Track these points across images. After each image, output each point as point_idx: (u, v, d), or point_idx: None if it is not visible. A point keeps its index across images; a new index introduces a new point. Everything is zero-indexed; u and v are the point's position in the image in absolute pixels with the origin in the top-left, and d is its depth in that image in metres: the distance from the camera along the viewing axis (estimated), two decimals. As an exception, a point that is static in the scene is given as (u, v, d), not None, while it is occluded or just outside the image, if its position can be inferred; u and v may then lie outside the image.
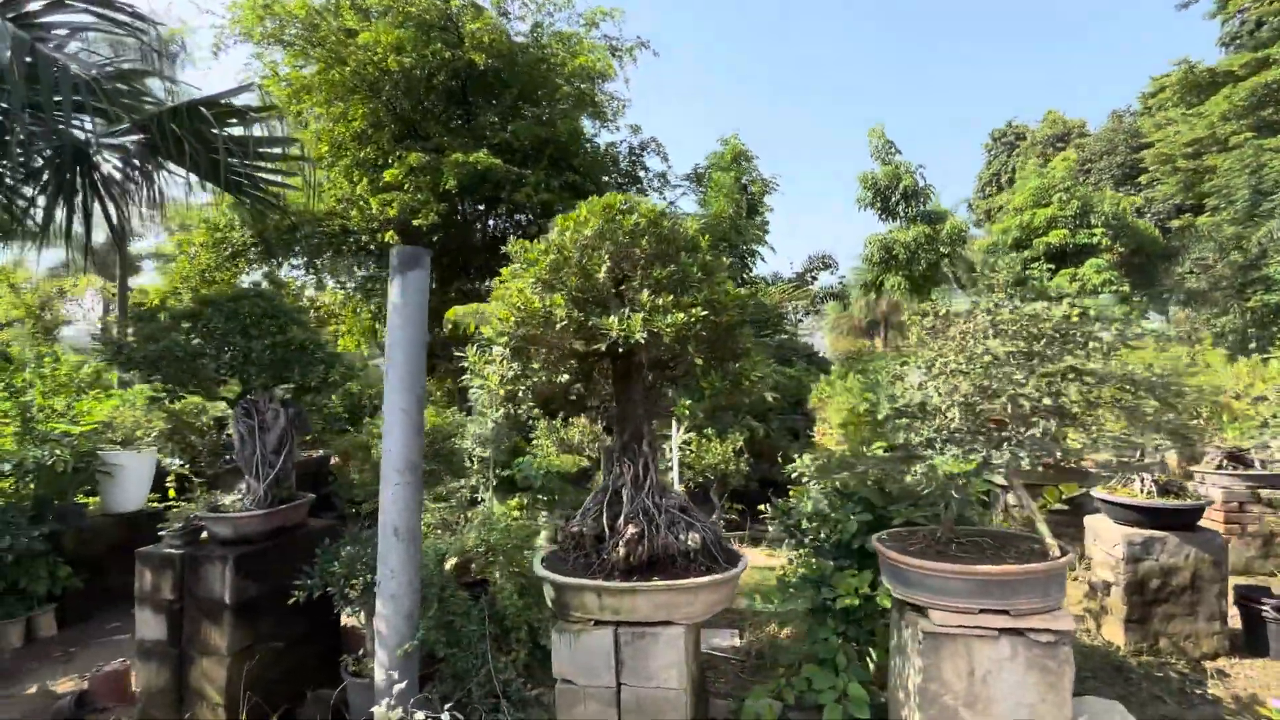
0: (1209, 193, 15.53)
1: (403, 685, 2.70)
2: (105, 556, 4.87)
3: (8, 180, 3.77)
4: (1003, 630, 2.32)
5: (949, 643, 2.46)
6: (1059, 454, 2.24)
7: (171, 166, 4.07)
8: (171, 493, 6.41)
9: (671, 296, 2.51)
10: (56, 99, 3.52)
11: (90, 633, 4.50)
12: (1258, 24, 25.12)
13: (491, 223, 9.16)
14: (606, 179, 8.68)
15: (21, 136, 3.47)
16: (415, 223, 7.46)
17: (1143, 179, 27.07)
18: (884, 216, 15.80)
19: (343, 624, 3.91)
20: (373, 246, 8.09)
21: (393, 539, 2.98)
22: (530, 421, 7.24)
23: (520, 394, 2.61)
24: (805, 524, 3.65)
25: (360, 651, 4.04)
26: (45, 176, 3.75)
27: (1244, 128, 14.87)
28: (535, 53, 7.86)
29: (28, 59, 2.93)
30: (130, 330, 3.66)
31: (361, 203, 7.85)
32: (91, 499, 5.19)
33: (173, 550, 3.16)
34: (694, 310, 2.48)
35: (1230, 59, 16.57)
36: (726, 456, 6.23)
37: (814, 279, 16.72)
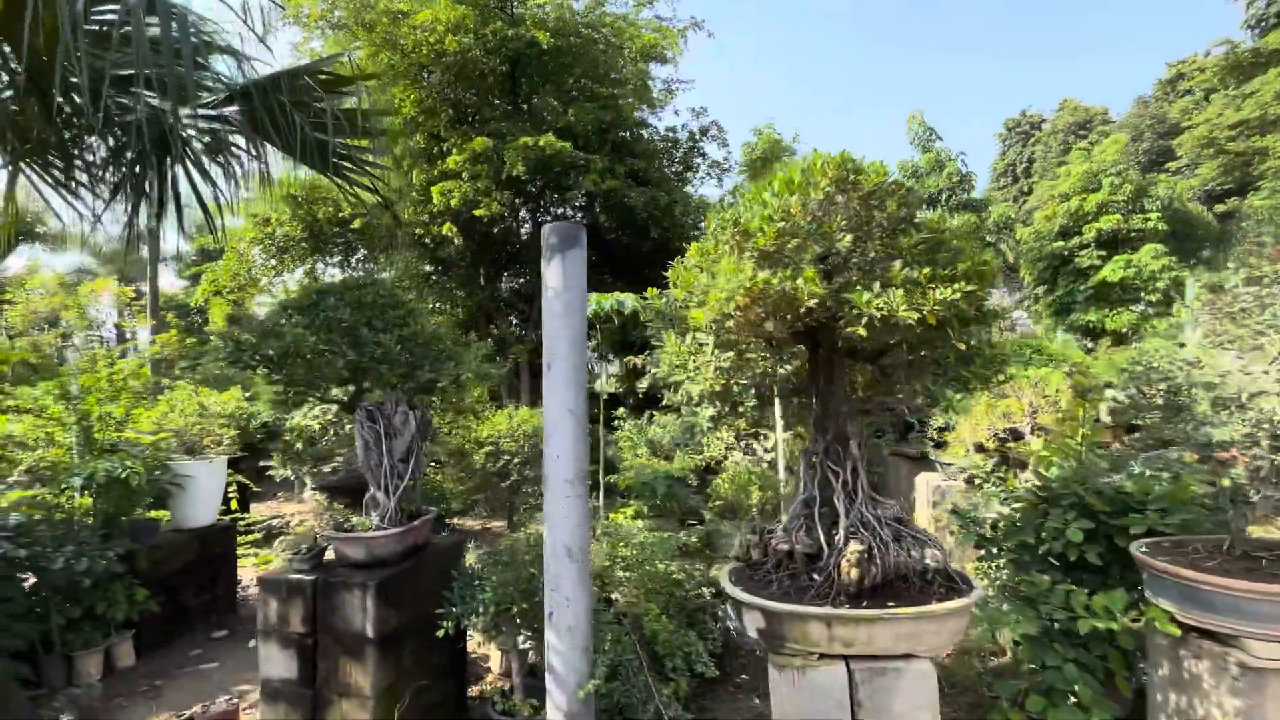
0: (1260, 175, 15.06)
1: (595, 735, 2.29)
2: (179, 576, 4.47)
3: (85, 158, 3.37)
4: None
5: (1276, 681, 2.05)
6: None
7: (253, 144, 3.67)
8: (234, 504, 6.03)
9: (929, 269, 2.09)
10: (157, 67, 3.13)
11: (172, 661, 4.09)
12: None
13: (561, 211, 8.73)
14: (667, 166, 8.24)
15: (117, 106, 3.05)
16: (477, 213, 7.04)
17: (1171, 165, 26.58)
18: (925, 205, 15.35)
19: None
20: (427, 240, 7.67)
21: (565, 561, 2.57)
22: (615, 421, 6.85)
23: (737, 388, 2.19)
24: (992, 532, 3.23)
25: (490, 683, 3.63)
26: (126, 155, 3.34)
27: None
28: (592, 33, 7.43)
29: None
30: (236, 328, 3.25)
31: (415, 193, 7.43)
32: (159, 513, 4.77)
33: (302, 576, 2.74)
34: (958, 285, 2.06)
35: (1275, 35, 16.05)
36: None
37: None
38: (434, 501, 6.06)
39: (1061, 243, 14.55)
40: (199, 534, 4.67)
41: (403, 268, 7.18)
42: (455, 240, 7.48)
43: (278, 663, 2.74)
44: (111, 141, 3.27)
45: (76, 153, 3.29)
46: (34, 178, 3.59)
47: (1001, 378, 2.46)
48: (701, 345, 2.31)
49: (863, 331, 2.02)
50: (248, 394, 8.12)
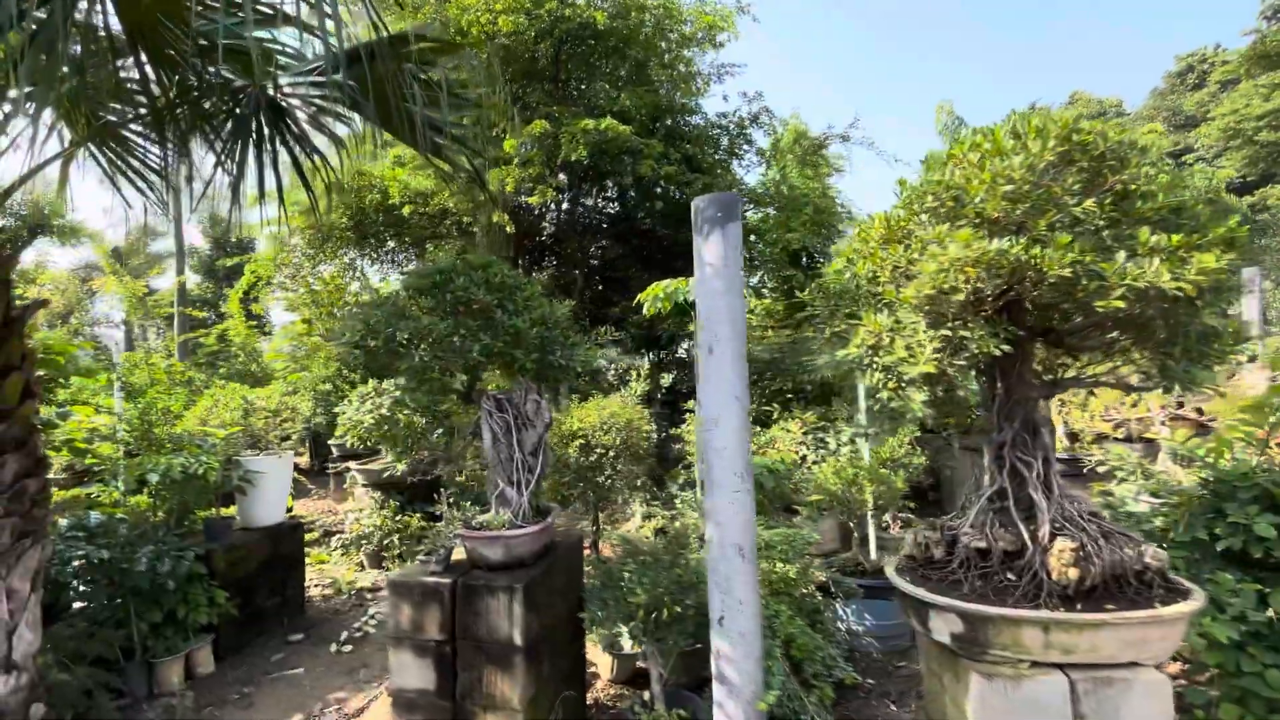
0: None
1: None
2: (253, 577, 4.25)
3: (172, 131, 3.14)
4: None
5: None
6: None
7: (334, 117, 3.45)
8: (290, 501, 5.81)
9: (1178, 235, 1.88)
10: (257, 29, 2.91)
11: (254, 666, 3.88)
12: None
13: (591, 202, 8.49)
14: (714, 153, 8.00)
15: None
16: (531, 200, 6.80)
17: (1187, 158, 26.43)
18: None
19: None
20: (474, 229, 7.43)
21: (738, 561, 2.36)
22: (675, 414, 6.64)
23: (953, 370, 1.97)
24: (1166, 527, 3.02)
25: (602, 689, 3.42)
26: (227, 126, 3.12)
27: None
28: (645, 15, 7.18)
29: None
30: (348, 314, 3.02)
31: (463, 177, 7.19)
32: (226, 510, 4.55)
33: (439, 579, 2.53)
34: (1213, 252, 1.85)
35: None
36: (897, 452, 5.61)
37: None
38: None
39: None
40: (269, 533, 4.45)
41: (487, 249, 6.89)
42: (508, 228, 7.24)
43: (412, 672, 2.53)
44: (211, 110, 3.04)
45: (171, 127, 3.05)
46: (100, 158, 3.37)
47: (1243, 357, 2.25)
48: (904, 324, 2.10)
49: (1119, 304, 1.81)
50: (290, 389, 7.90)
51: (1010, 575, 2.29)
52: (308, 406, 8.25)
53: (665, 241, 9.16)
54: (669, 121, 7.56)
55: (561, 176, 6.55)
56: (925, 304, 2.02)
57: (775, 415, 6.39)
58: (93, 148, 3.69)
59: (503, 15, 6.44)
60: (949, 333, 2.01)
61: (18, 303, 2.72)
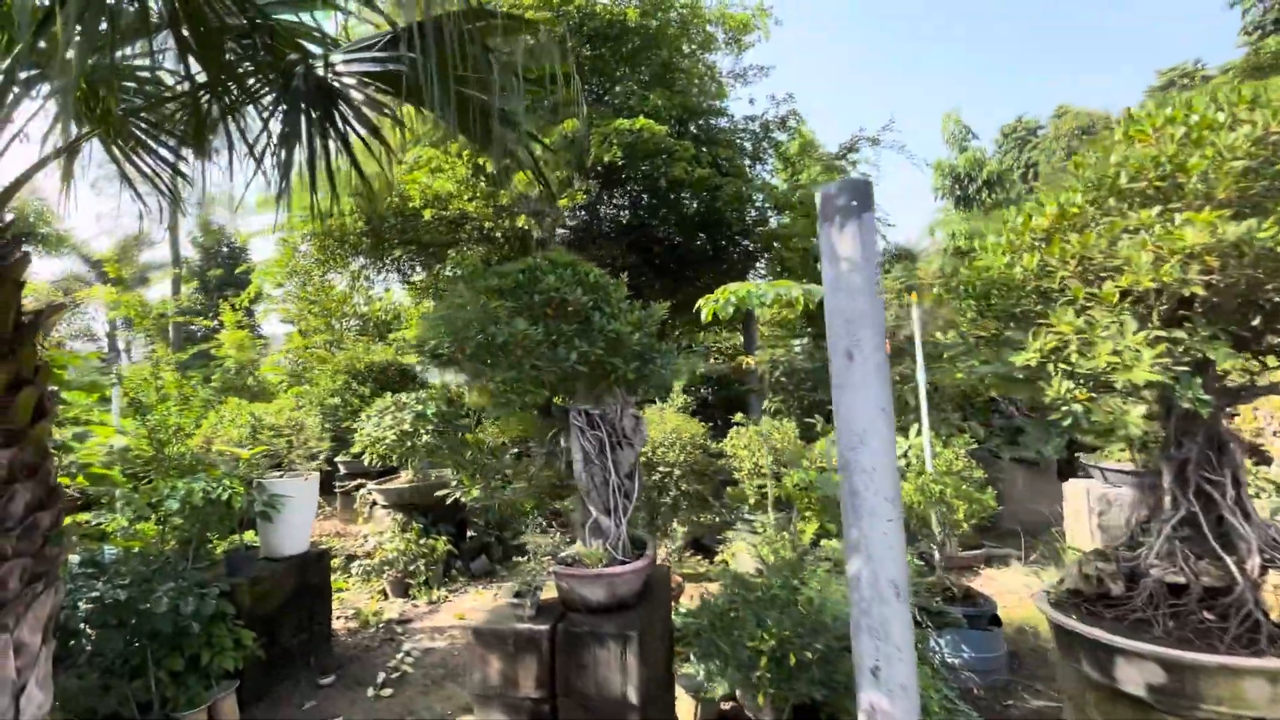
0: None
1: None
2: (279, 613, 3.84)
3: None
4: None
5: None
6: None
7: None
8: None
9: None
10: None
11: (282, 715, 3.46)
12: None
13: (606, 210, 8.19)
14: (738, 157, 7.75)
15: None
16: (561, 203, 6.49)
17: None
18: (960, 204, 15.09)
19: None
20: (498, 235, 7.09)
21: (894, 602, 2.03)
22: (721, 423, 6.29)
23: (1171, 377, 1.68)
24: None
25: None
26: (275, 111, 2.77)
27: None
28: (667, 15, 6.94)
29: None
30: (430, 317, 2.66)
31: (484, 183, 6.87)
32: (244, 536, 4.13)
33: (534, 626, 2.17)
34: None
35: (1306, 37, 16.08)
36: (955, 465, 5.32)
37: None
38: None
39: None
40: (295, 562, 4.03)
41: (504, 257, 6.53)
42: (534, 232, 6.91)
43: (503, 736, 2.16)
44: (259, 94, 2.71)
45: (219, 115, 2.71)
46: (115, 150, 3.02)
47: None
48: (1097, 323, 1.80)
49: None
50: (299, 404, 7.46)
51: (1210, 615, 1.98)
52: (315, 422, 7.82)
53: (680, 249, 8.90)
54: (699, 123, 7.32)
55: (592, 180, 6.25)
56: (1133, 301, 1.72)
57: (818, 427, 6.10)
58: (100, 140, 3.33)
59: (530, 10, 6.16)
60: (1170, 333, 1.71)
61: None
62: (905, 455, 5.51)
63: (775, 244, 8.72)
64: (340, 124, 2.88)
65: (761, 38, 7.28)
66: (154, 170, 3.17)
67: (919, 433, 5.39)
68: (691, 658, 2.39)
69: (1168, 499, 2.14)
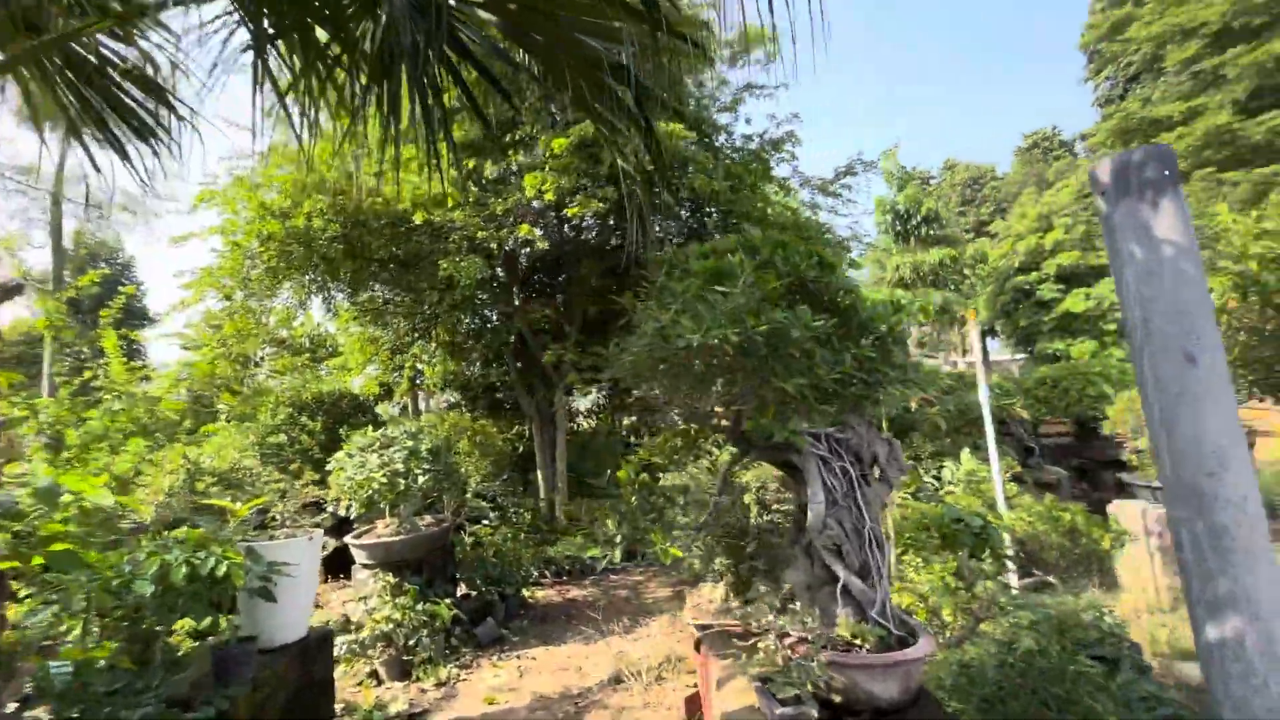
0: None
1: None
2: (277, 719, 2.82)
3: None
4: None
5: None
6: None
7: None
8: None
9: None
10: None
11: None
12: (1126, 87, 29.49)
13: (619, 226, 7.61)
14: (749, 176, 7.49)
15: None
16: (571, 212, 5.83)
17: (1056, 219, 30.25)
18: (900, 239, 15.86)
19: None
20: (493, 245, 6.29)
21: (1295, 674, 1.58)
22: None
23: None
24: None
25: None
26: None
27: (1192, 166, 16.62)
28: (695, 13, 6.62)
29: None
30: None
31: (480, 187, 6.09)
32: (224, 621, 3.04)
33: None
34: None
35: (1169, 106, 18.63)
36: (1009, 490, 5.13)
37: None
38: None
39: (1022, 277, 15.53)
40: (298, 651, 3.03)
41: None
42: (539, 243, 6.18)
43: None
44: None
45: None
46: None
47: None
48: None
49: None
50: (251, 441, 6.17)
51: None
52: (253, 463, 6.49)
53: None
54: (708, 138, 6.98)
55: (610, 189, 5.67)
56: None
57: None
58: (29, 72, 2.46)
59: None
60: None
61: None
62: (951, 483, 5.25)
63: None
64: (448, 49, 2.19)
65: (773, 50, 7.15)
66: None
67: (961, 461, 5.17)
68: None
69: None
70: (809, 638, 1.70)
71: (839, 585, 1.81)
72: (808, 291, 1.77)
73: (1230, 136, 16.52)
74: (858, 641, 1.70)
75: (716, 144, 7.30)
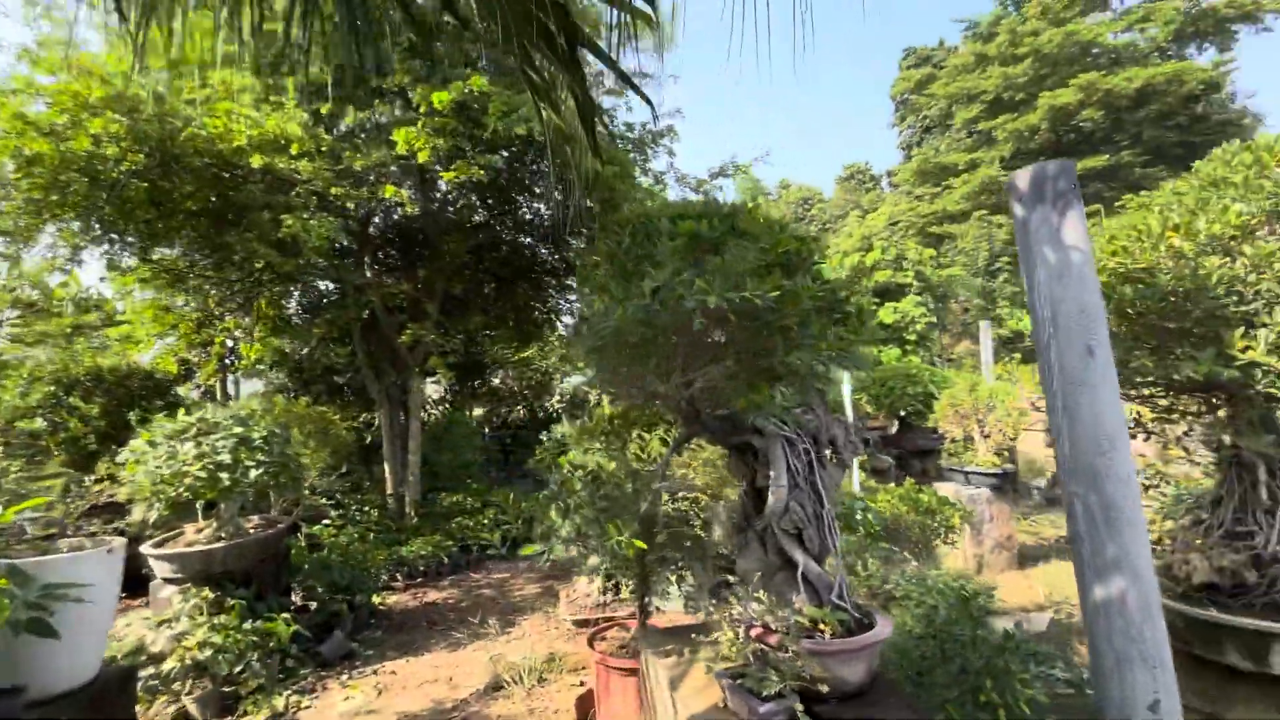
0: (948, 251, 20.53)
1: None
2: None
3: None
4: None
5: None
6: None
7: None
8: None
9: None
10: None
11: None
12: (922, 136, 34.84)
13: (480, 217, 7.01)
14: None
15: None
16: (446, 176, 5.23)
17: (875, 241, 34.77)
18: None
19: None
20: (349, 206, 5.42)
21: (1160, 621, 1.81)
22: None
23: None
24: None
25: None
26: None
27: (973, 206, 20.10)
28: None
29: None
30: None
31: (338, 139, 5.23)
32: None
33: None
34: None
35: (955, 156, 22.25)
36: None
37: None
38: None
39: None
40: (87, 700, 2.31)
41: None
42: (407, 208, 5.49)
43: None
44: None
45: None
46: None
47: None
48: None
49: None
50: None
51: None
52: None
53: (529, 254, 8.19)
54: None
55: (494, 155, 5.20)
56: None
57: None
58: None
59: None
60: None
61: None
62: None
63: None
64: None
65: (670, 37, 7.07)
66: None
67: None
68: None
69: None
70: (776, 626, 1.63)
71: (798, 571, 1.76)
72: (787, 265, 1.70)
73: (998, 187, 20.24)
74: (821, 627, 1.66)
75: (599, 128, 7.14)
